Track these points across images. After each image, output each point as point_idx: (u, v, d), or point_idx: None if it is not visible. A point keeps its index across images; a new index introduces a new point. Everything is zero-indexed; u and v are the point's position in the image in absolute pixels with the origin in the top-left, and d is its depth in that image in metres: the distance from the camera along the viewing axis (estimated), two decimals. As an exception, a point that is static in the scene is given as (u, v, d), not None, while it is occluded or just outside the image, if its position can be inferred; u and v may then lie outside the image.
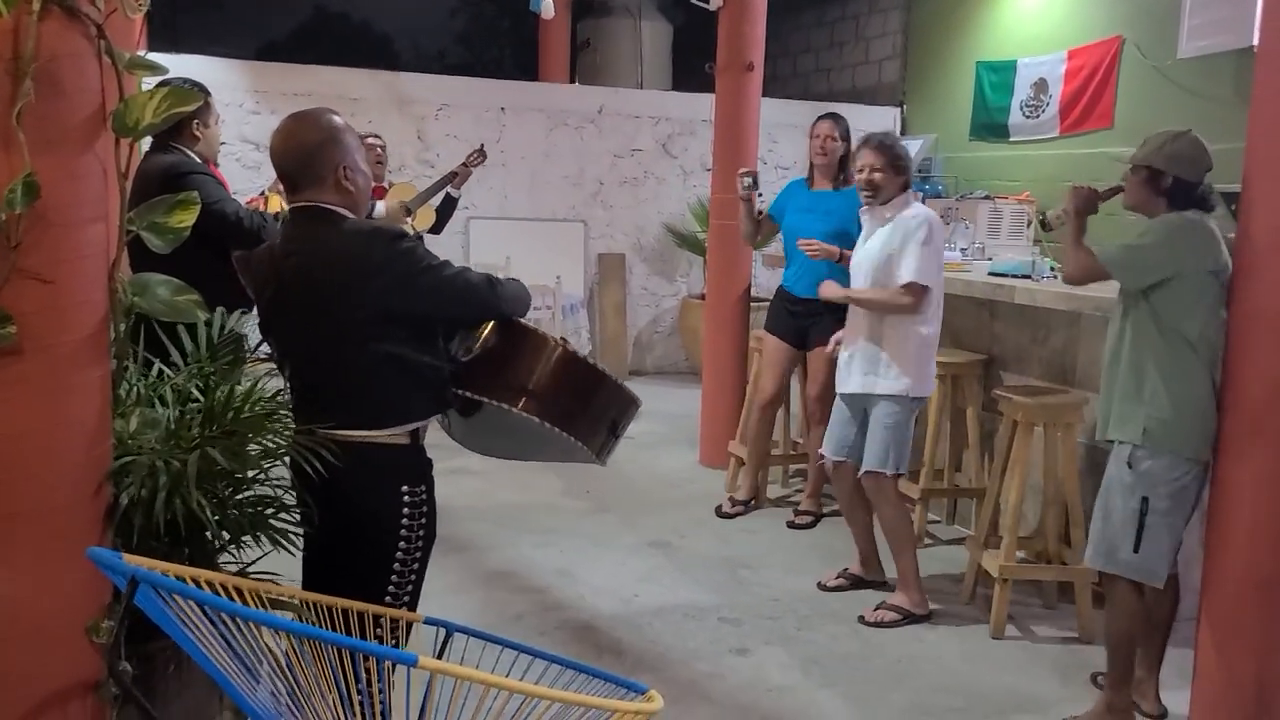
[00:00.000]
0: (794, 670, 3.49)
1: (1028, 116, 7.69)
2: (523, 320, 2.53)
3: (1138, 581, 3.08)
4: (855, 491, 4.12)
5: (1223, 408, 3.02)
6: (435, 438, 2.67)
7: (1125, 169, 3.18)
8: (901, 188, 3.90)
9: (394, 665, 2.01)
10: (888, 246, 3.84)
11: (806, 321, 4.86)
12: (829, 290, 4.02)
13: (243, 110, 7.47)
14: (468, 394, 2.45)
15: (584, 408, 2.50)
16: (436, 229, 5.88)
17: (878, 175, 3.87)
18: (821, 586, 4.18)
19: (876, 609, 3.90)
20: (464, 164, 5.81)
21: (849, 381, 3.95)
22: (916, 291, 3.76)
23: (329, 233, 2.33)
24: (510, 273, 7.24)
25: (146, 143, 3.77)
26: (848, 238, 4.43)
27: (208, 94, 3.73)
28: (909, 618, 3.86)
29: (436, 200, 5.83)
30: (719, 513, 5.08)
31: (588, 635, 3.70)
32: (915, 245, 3.76)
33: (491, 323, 2.50)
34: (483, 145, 6.09)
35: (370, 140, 5.46)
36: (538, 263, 7.82)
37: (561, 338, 2.57)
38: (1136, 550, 3.04)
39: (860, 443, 3.98)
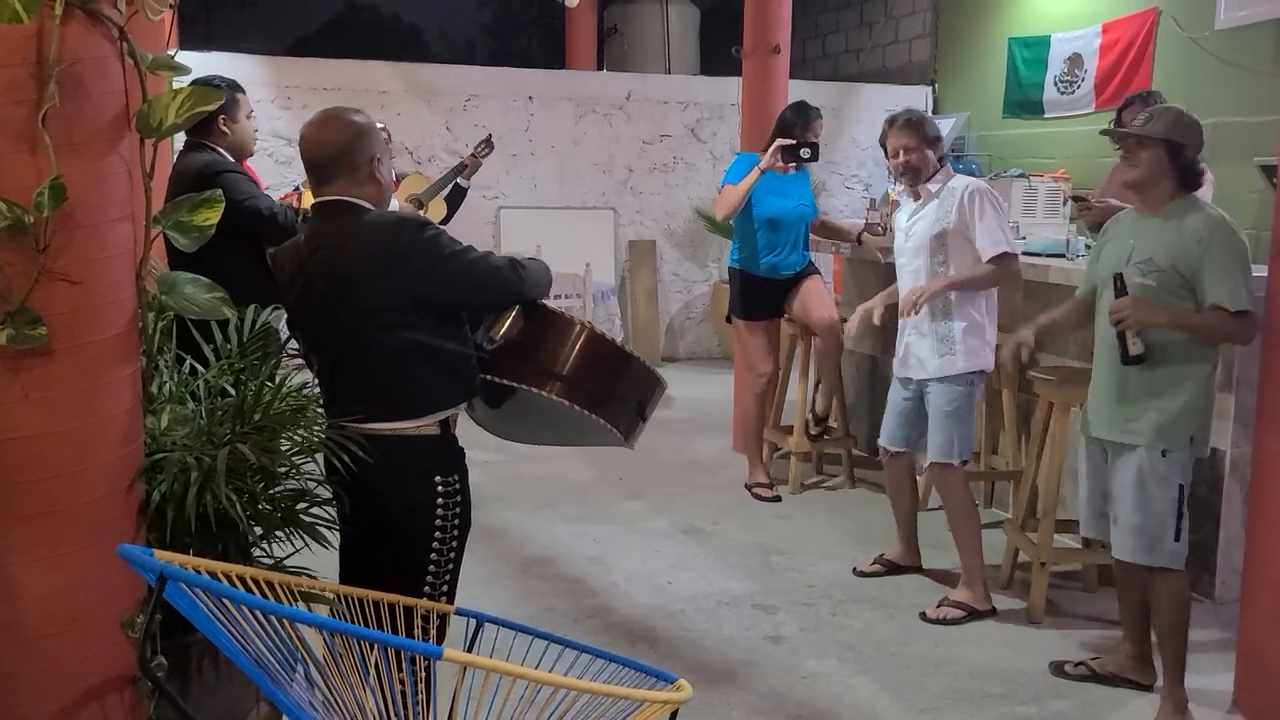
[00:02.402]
0: (829, 656, 3.47)
1: (1062, 92, 7.57)
2: (549, 305, 2.54)
3: (1177, 570, 3.01)
4: (905, 479, 4.08)
5: (1262, 386, 2.96)
6: (467, 428, 2.69)
7: (1129, 143, 3.05)
8: (938, 163, 3.79)
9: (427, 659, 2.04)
10: (940, 223, 3.72)
11: (784, 292, 5.10)
12: (929, 291, 3.68)
13: (273, 106, 7.52)
14: (496, 379, 2.46)
15: (612, 390, 2.50)
16: (445, 220, 5.91)
17: (914, 156, 3.75)
18: (857, 572, 4.16)
19: (940, 606, 3.78)
20: (472, 155, 5.83)
21: (921, 367, 3.80)
22: (1010, 261, 3.66)
23: (353, 225, 2.35)
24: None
25: (180, 141, 3.81)
26: (811, 213, 5.10)
27: (238, 90, 3.75)
28: (973, 614, 3.74)
29: (446, 192, 5.85)
30: (759, 498, 5.09)
31: (621, 624, 3.70)
32: (983, 215, 3.64)
33: (517, 308, 2.51)
34: (490, 135, 6.08)
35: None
36: (569, 251, 7.81)
37: (587, 320, 2.57)
38: (1178, 539, 2.97)
39: (920, 433, 3.90)
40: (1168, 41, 6.69)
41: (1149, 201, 3.06)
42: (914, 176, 3.79)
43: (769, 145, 4.95)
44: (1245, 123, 5.96)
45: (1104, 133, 3.22)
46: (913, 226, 3.85)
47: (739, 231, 5.09)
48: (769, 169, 4.79)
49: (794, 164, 4.80)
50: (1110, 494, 3.11)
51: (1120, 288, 3.00)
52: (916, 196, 3.85)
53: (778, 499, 5.07)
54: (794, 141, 4.80)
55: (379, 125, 5.94)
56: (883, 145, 3.89)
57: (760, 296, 5.08)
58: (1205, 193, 4.53)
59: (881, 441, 4.04)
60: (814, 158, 4.81)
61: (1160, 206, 3.03)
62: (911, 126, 3.77)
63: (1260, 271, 3.04)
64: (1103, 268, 3.16)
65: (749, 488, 5.16)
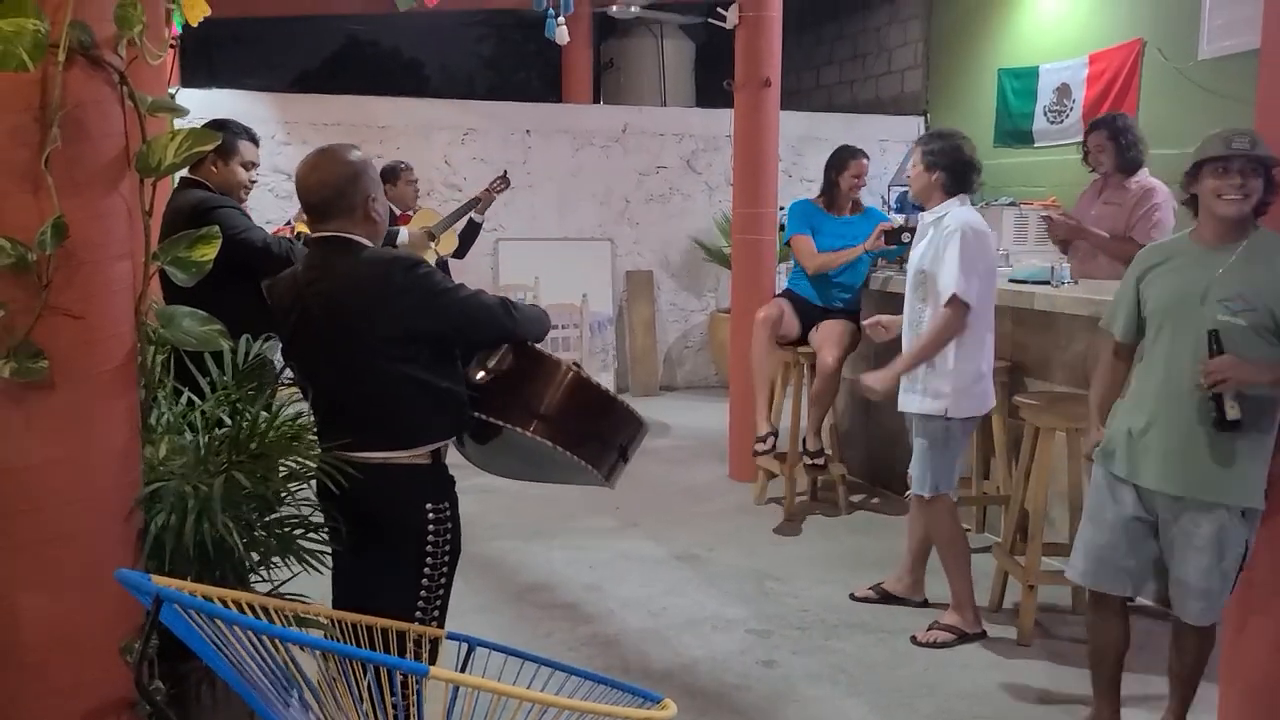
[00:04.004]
0: (821, 681, 3.51)
1: (1052, 122, 7.67)
2: (537, 346, 2.60)
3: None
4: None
5: None
6: (460, 457, 2.75)
7: (1243, 169, 2.69)
8: (942, 190, 3.72)
9: (424, 680, 2.08)
10: (923, 259, 3.74)
11: (817, 314, 5.30)
12: (879, 382, 3.80)
13: (274, 142, 7.63)
14: (483, 416, 2.53)
15: (594, 432, 2.56)
16: (460, 254, 6.03)
17: (913, 170, 3.79)
18: (853, 597, 4.18)
19: (929, 629, 3.80)
20: (487, 190, 5.96)
21: (900, 400, 3.84)
22: (956, 307, 3.58)
23: (350, 261, 2.42)
24: (539, 292, 7.38)
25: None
26: (868, 257, 5.21)
27: (244, 137, 3.82)
28: (963, 637, 3.77)
29: (460, 226, 5.97)
30: (756, 453, 5.18)
31: (616, 649, 3.74)
32: (951, 255, 3.59)
33: (506, 347, 2.58)
34: (505, 172, 6.22)
35: (408, 174, 5.79)
36: (566, 282, 7.91)
37: (574, 362, 2.64)
38: (1230, 593, 2.88)
39: None
40: (1153, 71, 6.80)
41: (1229, 233, 2.78)
42: (915, 196, 3.87)
43: (823, 191, 5.32)
44: (1230, 150, 6.03)
45: (1225, 158, 2.69)
46: (913, 256, 3.88)
47: (797, 265, 5.38)
48: (872, 249, 5.05)
49: (894, 245, 5.00)
50: (1151, 550, 2.92)
51: (1216, 345, 2.71)
52: (925, 228, 3.85)
53: (771, 450, 5.14)
54: (894, 226, 5.04)
55: (411, 176, 6.28)
56: None
57: (793, 297, 5.37)
58: (1166, 217, 4.64)
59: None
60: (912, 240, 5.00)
61: (1240, 238, 2.77)
62: (920, 145, 3.80)
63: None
64: (1162, 305, 2.87)
65: (755, 445, 5.18)
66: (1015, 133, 8.03)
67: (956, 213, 3.70)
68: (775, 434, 5.19)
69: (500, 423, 2.50)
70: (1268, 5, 2.84)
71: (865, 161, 5.26)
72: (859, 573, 4.40)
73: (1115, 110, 6.88)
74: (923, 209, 3.87)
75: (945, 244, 3.65)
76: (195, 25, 3.99)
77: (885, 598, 4.15)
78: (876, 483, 5.69)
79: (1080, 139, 7.36)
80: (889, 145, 8.99)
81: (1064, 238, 4.95)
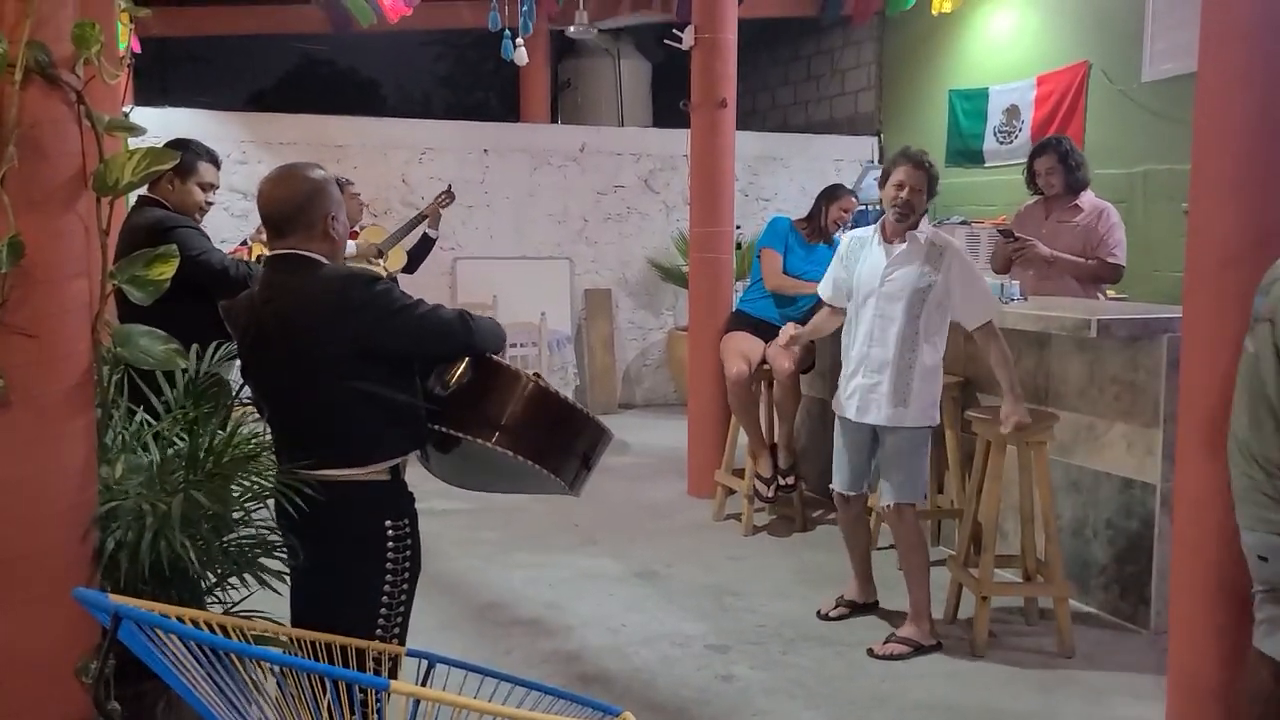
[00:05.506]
0: (779, 694, 3.54)
1: (1001, 142, 7.84)
2: (496, 358, 2.62)
3: None
4: (860, 520, 4.14)
5: (1181, 417, 3.09)
6: (423, 477, 2.75)
7: None
8: (923, 213, 3.82)
9: (387, 696, 2.09)
10: (926, 278, 3.71)
11: (768, 332, 5.27)
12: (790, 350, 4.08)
13: (229, 160, 7.57)
14: (444, 430, 2.54)
15: (556, 441, 2.58)
16: (410, 269, 6.05)
17: (917, 196, 3.71)
18: (821, 615, 4.17)
19: (886, 642, 3.83)
20: (433, 204, 6.01)
21: (870, 413, 3.82)
22: (995, 327, 3.80)
23: (306, 278, 2.43)
24: (497, 311, 7.39)
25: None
26: None
27: (205, 159, 3.80)
28: (919, 649, 3.80)
29: (410, 242, 6.00)
30: (760, 496, 5.24)
31: (575, 666, 3.75)
32: (973, 281, 3.79)
33: (466, 360, 2.59)
34: (450, 186, 6.27)
35: (351, 188, 5.74)
36: (525, 300, 7.93)
37: (535, 373, 2.65)
38: None
39: (872, 474, 3.96)
40: (1098, 93, 6.97)
41: None
42: (908, 215, 3.74)
43: (809, 216, 5.44)
44: (1172, 170, 6.22)
45: None
46: (893, 271, 3.78)
47: (755, 281, 5.47)
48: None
49: None
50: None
51: None
52: (890, 240, 3.82)
53: (771, 500, 5.23)
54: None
55: (354, 190, 6.28)
56: (885, 174, 3.85)
57: (746, 320, 5.45)
58: (1123, 235, 4.77)
59: (836, 487, 4.04)
60: None
61: None
62: (921, 166, 3.74)
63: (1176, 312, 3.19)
64: None
65: (756, 485, 5.25)
66: (966, 152, 8.19)
67: (939, 233, 3.86)
68: (775, 477, 5.26)
69: (462, 435, 2.51)
70: (1204, 30, 2.95)
71: (854, 201, 5.46)
72: (817, 587, 4.44)
73: (1062, 131, 7.07)
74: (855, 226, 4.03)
75: (962, 266, 3.76)
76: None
77: (854, 608, 4.18)
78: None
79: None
80: (843, 165, 9.13)
81: (1028, 260, 5.02)
